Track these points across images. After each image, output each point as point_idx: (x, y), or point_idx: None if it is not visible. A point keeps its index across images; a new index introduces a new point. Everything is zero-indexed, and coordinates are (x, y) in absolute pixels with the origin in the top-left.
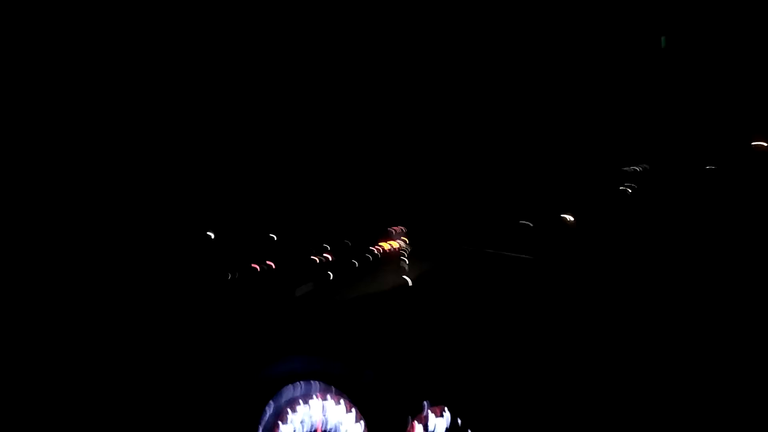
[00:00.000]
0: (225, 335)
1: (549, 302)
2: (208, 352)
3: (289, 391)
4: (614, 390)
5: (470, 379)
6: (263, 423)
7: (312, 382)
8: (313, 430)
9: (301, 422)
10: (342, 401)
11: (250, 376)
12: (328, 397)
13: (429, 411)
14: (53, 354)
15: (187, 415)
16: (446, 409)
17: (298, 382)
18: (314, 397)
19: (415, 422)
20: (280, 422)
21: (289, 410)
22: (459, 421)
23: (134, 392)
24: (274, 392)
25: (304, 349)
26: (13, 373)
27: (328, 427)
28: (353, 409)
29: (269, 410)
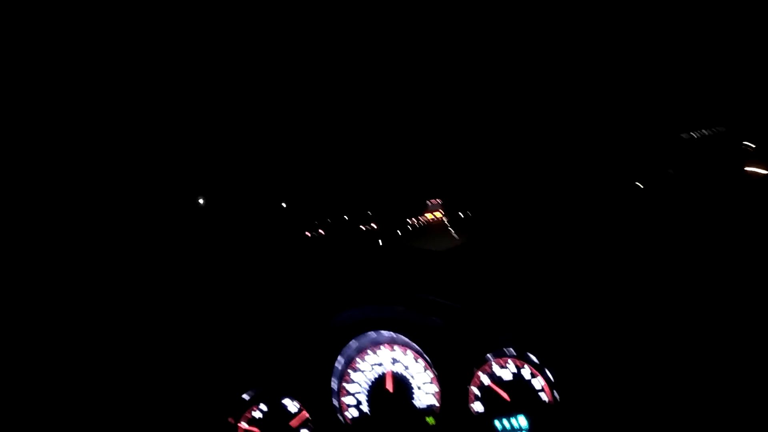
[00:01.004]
0: (290, 291)
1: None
2: (278, 308)
3: (357, 341)
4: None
5: (541, 326)
6: (335, 373)
7: (380, 331)
8: (382, 378)
9: (371, 370)
10: (410, 351)
11: (319, 329)
12: (396, 347)
13: (493, 362)
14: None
15: (261, 369)
16: (510, 360)
17: (366, 333)
18: (382, 346)
19: (479, 372)
20: (350, 371)
21: (358, 360)
22: (530, 370)
23: (205, 345)
24: (344, 343)
25: (369, 300)
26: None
27: (398, 375)
28: (421, 359)
29: (341, 360)
